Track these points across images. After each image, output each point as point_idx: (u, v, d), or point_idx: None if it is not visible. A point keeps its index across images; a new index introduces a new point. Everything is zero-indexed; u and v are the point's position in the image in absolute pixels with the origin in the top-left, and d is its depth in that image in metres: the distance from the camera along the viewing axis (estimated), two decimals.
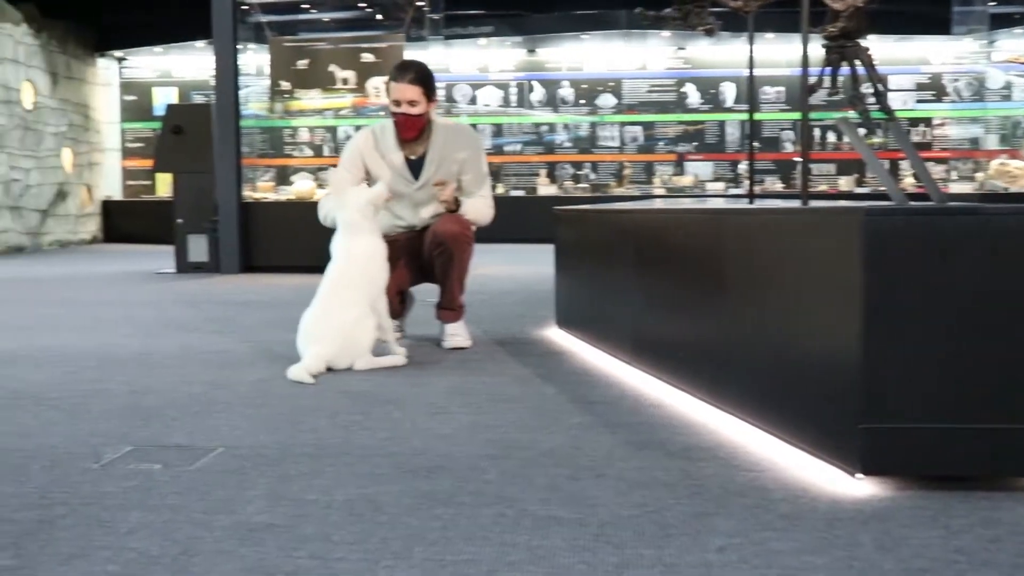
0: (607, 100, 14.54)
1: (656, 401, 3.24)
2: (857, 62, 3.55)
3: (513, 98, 14.70)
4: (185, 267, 8.88)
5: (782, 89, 14.15)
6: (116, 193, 15.14)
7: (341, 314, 3.81)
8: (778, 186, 13.83)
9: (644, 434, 2.81)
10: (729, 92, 14.28)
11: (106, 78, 15.02)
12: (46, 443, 2.74)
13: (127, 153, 15.28)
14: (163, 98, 14.75)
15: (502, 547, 1.91)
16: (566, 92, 14.60)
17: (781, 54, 13.77)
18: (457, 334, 4.45)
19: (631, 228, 3.90)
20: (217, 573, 1.79)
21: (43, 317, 5.65)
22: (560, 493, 2.25)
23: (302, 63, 9.95)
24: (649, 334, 3.66)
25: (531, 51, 14.63)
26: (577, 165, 14.59)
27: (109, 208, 14.82)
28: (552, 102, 14.62)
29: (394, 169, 4.43)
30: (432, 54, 13.98)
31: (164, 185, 14.22)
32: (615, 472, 2.42)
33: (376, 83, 9.86)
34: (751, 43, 4.72)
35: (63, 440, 2.77)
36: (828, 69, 4.38)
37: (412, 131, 4.40)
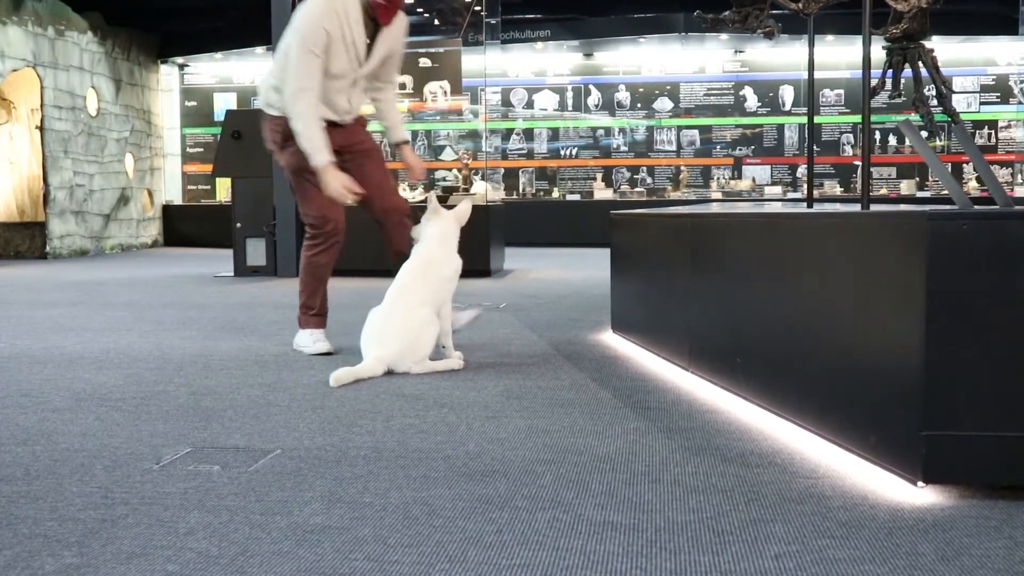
0: (664, 104, 14.49)
1: (712, 407, 3.22)
2: (920, 64, 3.51)
3: (570, 102, 14.70)
4: (243, 271, 8.99)
5: (842, 92, 14.00)
6: (176, 198, 15.38)
7: (406, 317, 3.83)
8: (837, 190, 13.69)
9: (700, 440, 2.79)
10: (788, 95, 14.16)
11: (168, 84, 15.27)
12: (108, 443, 2.78)
13: (187, 158, 15.52)
14: (223, 104, 14.97)
15: (557, 552, 1.91)
16: (623, 96, 14.57)
17: (841, 56, 13.64)
18: None
19: (688, 232, 3.87)
20: (274, 574, 1.80)
21: (106, 319, 5.74)
22: (615, 498, 2.24)
23: None
24: (706, 339, 3.64)
25: (588, 55, 14.63)
26: (634, 169, 14.55)
27: (169, 212, 15.06)
28: (609, 106, 14.59)
29: (351, 47, 4.23)
30: (489, 59, 14.04)
31: (223, 190, 14.43)
32: (671, 478, 2.41)
33: (433, 88, 9.91)
34: (811, 45, 4.67)
35: (125, 441, 2.81)
36: (890, 71, 4.34)
37: (390, 18, 4.28)
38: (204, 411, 3.20)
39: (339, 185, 4.14)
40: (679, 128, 14.46)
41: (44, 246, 11.97)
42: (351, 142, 4.38)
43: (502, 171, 14.70)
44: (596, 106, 14.63)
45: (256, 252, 8.96)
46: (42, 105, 11.84)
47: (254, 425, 3.00)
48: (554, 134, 14.73)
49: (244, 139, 8.93)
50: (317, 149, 4.13)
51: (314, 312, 4.44)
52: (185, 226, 14.88)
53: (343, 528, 2.05)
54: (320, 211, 4.35)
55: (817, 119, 13.73)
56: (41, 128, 11.86)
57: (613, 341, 4.72)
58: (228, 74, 15.43)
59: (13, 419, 3.10)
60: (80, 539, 1.99)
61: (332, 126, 4.27)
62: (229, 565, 1.85)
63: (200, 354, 4.40)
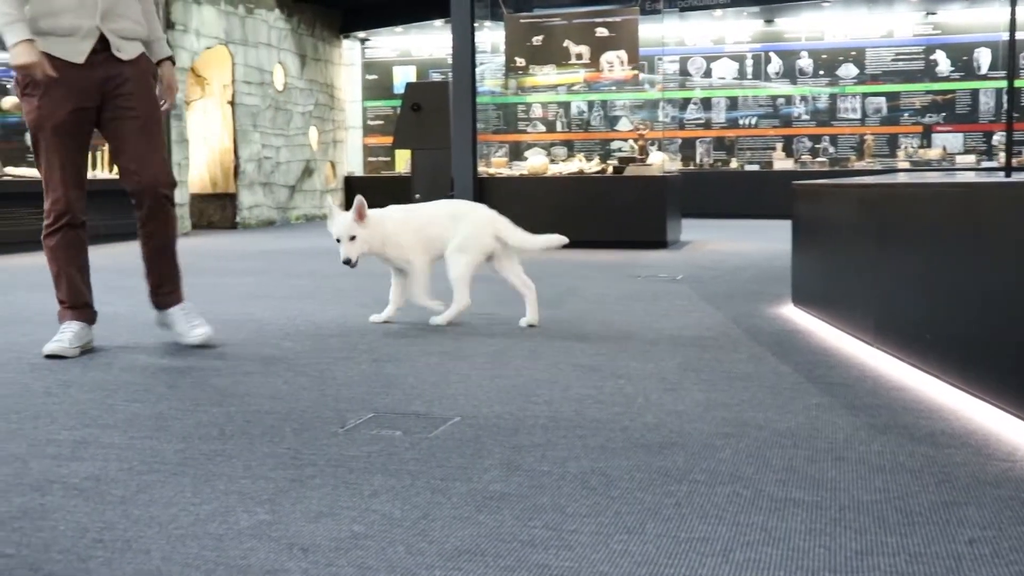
0: (848, 70, 13.99)
1: (899, 383, 3.10)
2: None
3: (749, 70, 14.36)
4: None
5: None
6: (357, 169, 15.81)
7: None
8: None
9: (886, 417, 2.69)
10: (984, 58, 13.45)
11: (349, 58, 15.67)
12: (296, 407, 2.89)
13: (368, 131, 15.91)
14: (402, 77, 15.27)
15: (737, 527, 1.88)
16: (805, 63, 14.14)
17: None
18: (198, 319, 3.93)
19: (875, 203, 3.73)
20: (456, 538, 1.83)
21: (291, 288, 5.96)
22: (797, 475, 2.19)
23: (537, 39, 10.05)
24: (893, 314, 3.50)
25: (768, 21, 14.25)
26: (815, 138, 14.13)
27: (351, 184, 15.48)
28: (790, 73, 14.20)
29: None
30: (667, 27, 13.84)
31: (402, 161, 14.74)
32: (855, 456, 2.33)
33: (610, 58, 9.84)
34: (1013, 4, 4.41)
35: (311, 405, 2.92)
36: None
37: None
38: (386, 378, 3.29)
39: (30, 59, 3.44)
40: (864, 95, 13.95)
41: (234, 216, 12.51)
42: (115, 88, 3.67)
43: (679, 141, 14.51)
44: (776, 74, 14.25)
45: None
46: (233, 81, 12.35)
47: (434, 392, 3.06)
48: (732, 103, 14.43)
49: (423, 111, 9.09)
50: (8, 22, 3.45)
51: (66, 305, 3.76)
52: (366, 197, 15.22)
53: (522, 496, 2.06)
54: (54, 188, 3.67)
55: (1017, 83, 13.00)
56: (232, 103, 12.37)
57: (793, 315, 4.60)
58: (407, 47, 15.73)
59: (209, 381, 3.26)
60: (272, 497, 2.07)
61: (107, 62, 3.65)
62: (412, 527, 1.89)
63: (381, 322, 4.52)
